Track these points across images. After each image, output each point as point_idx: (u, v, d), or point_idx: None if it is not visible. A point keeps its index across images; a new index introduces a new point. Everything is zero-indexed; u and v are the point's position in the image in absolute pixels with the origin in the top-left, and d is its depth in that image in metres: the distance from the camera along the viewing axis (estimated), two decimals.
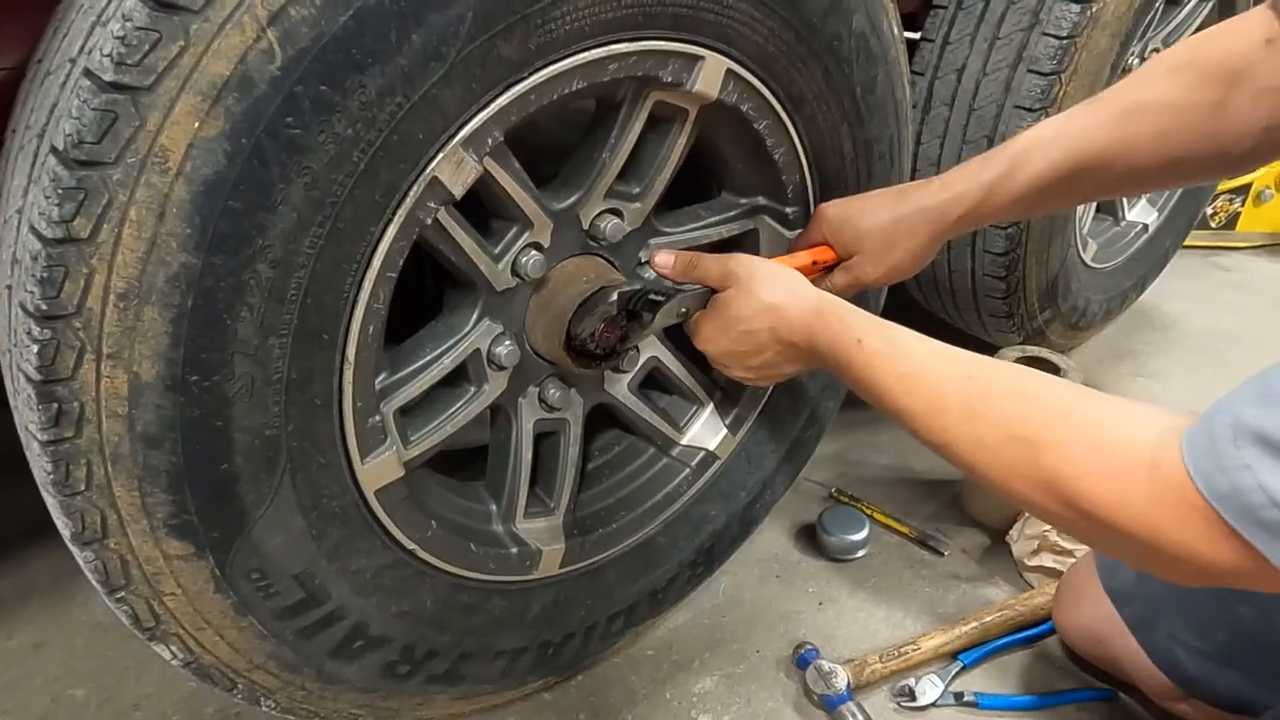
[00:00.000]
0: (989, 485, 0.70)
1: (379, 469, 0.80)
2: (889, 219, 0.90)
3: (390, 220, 0.71)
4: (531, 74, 0.73)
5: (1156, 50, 1.62)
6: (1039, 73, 1.34)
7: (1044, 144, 0.87)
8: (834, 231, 0.92)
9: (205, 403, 0.67)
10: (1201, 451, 0.58)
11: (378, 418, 0.79)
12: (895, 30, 0.97)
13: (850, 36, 0.91)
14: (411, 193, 0.71)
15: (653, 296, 0.87)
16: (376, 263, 0.72)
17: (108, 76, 0.58)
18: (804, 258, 0.94)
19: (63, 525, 0.69)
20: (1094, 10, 1.32)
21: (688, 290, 0.88)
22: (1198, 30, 1.66)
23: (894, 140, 1.02)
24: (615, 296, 0.86)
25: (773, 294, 0.84)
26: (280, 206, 0.64)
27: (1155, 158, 0.84)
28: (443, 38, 0.66)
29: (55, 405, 0.64)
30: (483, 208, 0.83)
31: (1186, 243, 2.02)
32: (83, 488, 0.66)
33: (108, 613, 1.19)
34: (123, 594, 0.72)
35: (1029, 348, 1.52)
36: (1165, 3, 1.50)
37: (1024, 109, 1.35)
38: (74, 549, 0.70)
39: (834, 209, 0.93)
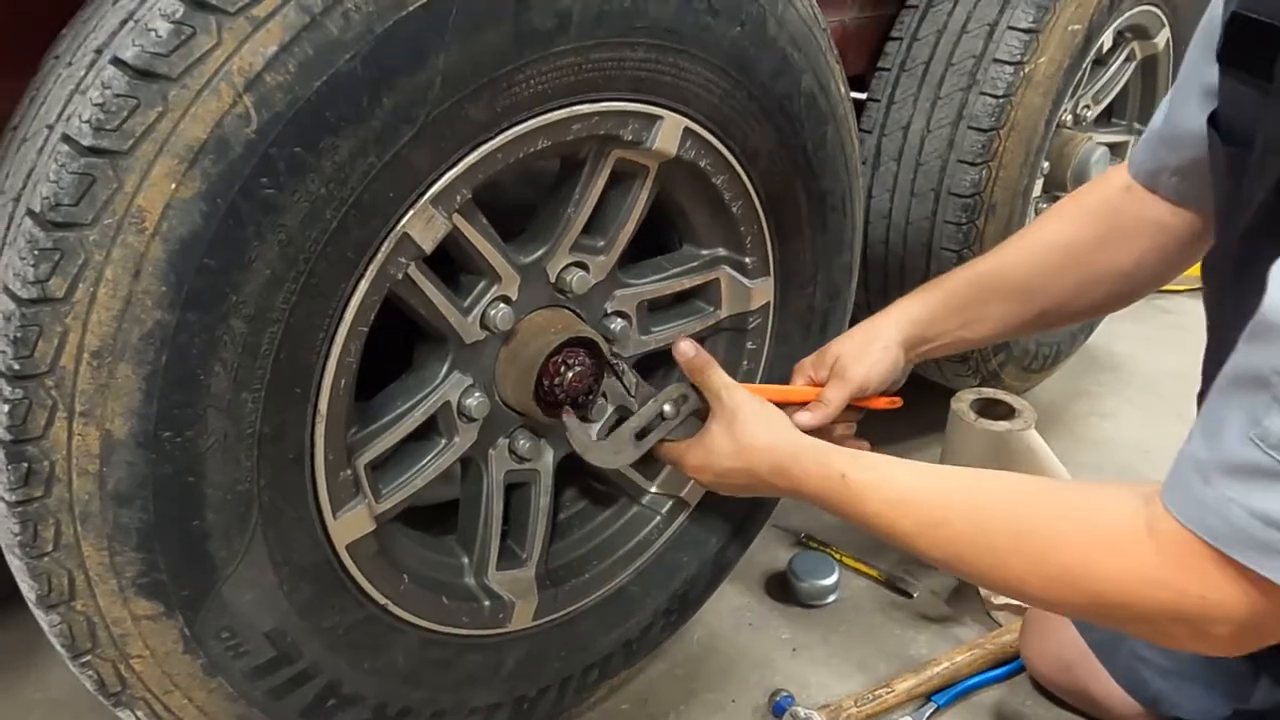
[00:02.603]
0: (1004, 591, 0.71)
1: (350, 523, 0.80)
2: (864, 331, 1.02)
3: (362, 276, 0.73)
4: (498, 134, 0.76)
5: (1088, 107, 1.71)
6: (979, 129, 1.42)
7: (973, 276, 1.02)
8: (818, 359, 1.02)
9: (177, 459, 0.67)
10: (1185, 504, 0.60)
11: (349, 471, 0.80)
12: (842, 89, 1.02)
13: (800, 95, 0.96)
14: (383, 249, 0.73)
15: (625, 406, 0.95)
16: (349, 317, 0.73)
17: (86, 141, 0.60)
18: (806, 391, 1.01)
19: (28, 588, 0.68)
20: (1026, 71, 1.41)
21: (669, 421, 0.95)
22: (1123, 88, 1.78)
23: (845, 193, 1.07)
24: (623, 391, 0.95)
25: (750, 437, 0.88)
26: (255, 264, 0.66)
27: (1064, 285, 0.99)
28: (413, 101, 0.69)
29: (25, 465, 0.63)
30: (452, 262, 0.86)
31: None
32: (50, 548, 0.66)
33: (62, 689, 1.16)
34: (89, 658, 0.71)
35: (985, 390, 1.56)
36: (1092, 63, 1.60)
37: (966, 163, 1.43)
38: (39, 612, 0.69)
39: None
